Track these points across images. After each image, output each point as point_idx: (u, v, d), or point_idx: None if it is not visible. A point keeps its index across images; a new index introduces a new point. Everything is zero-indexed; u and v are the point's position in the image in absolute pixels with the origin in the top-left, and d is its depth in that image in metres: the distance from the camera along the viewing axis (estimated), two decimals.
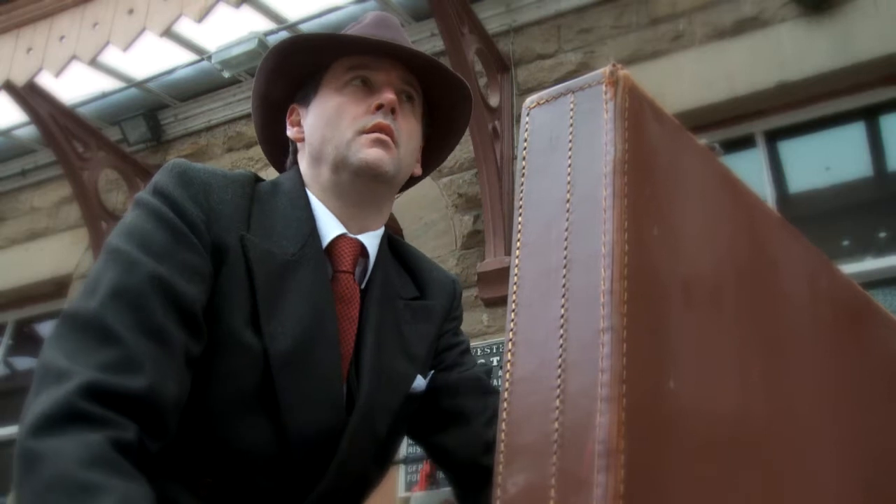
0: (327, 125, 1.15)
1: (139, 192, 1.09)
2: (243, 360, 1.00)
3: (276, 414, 1.01)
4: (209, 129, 5.85)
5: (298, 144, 1.22)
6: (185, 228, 1.01)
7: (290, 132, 1.22)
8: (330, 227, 1.13)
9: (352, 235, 1.14)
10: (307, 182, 1.17)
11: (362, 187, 1.14)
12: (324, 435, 1.05)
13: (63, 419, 0.83)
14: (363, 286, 1.15)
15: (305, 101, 1.20)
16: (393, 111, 1.14)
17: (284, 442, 1.02)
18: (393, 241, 1.27)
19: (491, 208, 4.31)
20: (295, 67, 1.21)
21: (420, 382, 1.19)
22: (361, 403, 1.09)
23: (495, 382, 4.01)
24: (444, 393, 1.21)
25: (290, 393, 1.02)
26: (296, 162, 1.23)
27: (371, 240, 1.17)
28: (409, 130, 1.18)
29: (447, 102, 1.26)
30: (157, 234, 1.00)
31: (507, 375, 0.47)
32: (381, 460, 1.17)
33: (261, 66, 1.22)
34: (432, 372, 1.21)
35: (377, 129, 1.12)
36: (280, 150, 1.29)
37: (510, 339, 0.48)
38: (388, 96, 1.13)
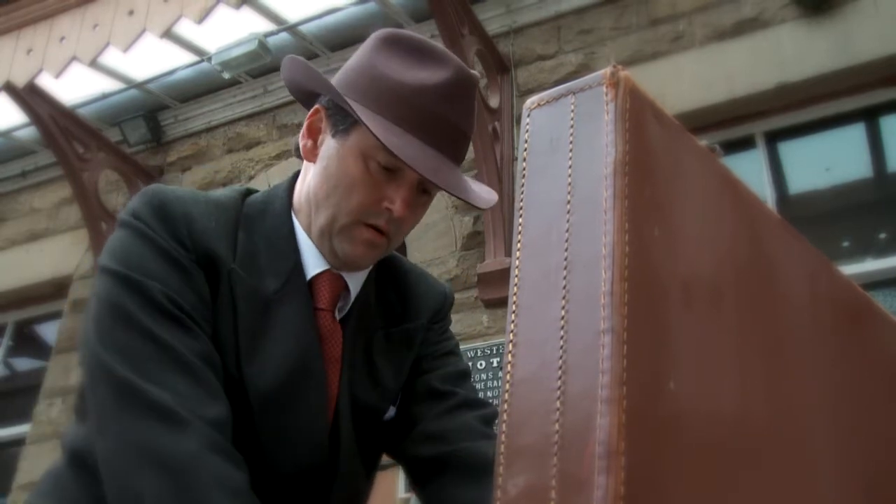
0: (337, 188, 1.05)
1: (122, 216, 1.03)
2: (229, 396, 0.98)
3: (259, 454, 1.00)
4: (209, 130, 5.85)
5: (306, 162, 1.13)
6: (183, 261, 0.99)
7: (304, 143, 1.11)
8: (312, 262, 1.09)
9: (335, 271, 1.10)
10: (298, 209, 1.11)
11: (338, 263, 1.10)
12: (309, 473, 1.05)
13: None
14: (341, 317, 1.11)
15: (332, 125, 1.08)
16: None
17: (271, 479, 1.02)
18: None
19: (491, 209, 4.31)
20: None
21: (391, 411, 1.17)
22: (345, 445, 1.08)
23: (495, 383, 4.02)
24: (401, 403, 1.18)
25: (271, 434, 1.01)
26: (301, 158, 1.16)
27: (355, 278, 1.13)
28: (414, 220, 1.11)
29: None
30: (157, 264, 0.97)
31: (508, 377, 0.47)
32: (369, 477, 1.19)
33: (300, 70, 1.12)
34: (400, 395, 1.19)
35: (376, 228, 1.06)
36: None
37: (510, 341, 0.48)
38: (401, 211, 1.04)
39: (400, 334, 1.18)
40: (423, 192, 1.09)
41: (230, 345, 1.00)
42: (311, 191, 1.09)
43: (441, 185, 1.03)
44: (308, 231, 1.10)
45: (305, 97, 1.16)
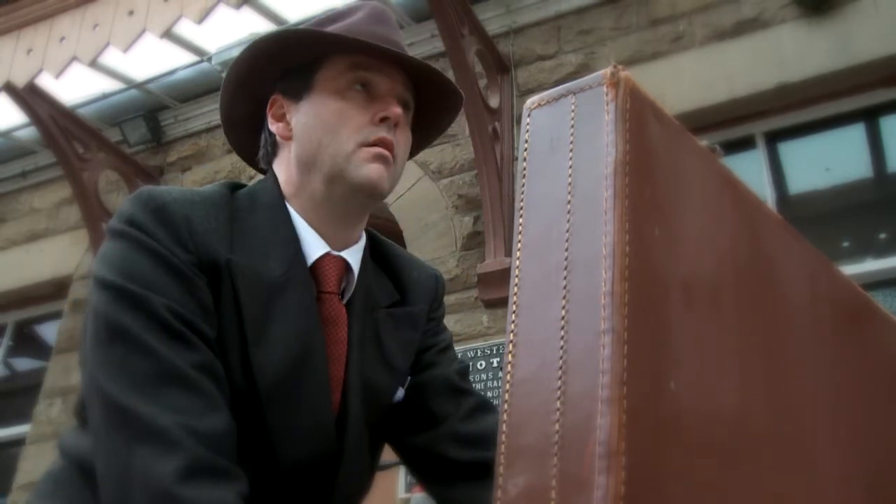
0: (326, 131, 1.07)
1: (116, 224, 1.01)
2: (235, 392, 0.98)
3: (267, 444, 1.00)
4: (209, 130, 5.85)
5: (281, 143, 1.14)
6: (184, 268, 0.97)
7: (275, 127, 1.13)
8: (313, 246, 1.08)
9: (335, 253, 1.10)
10: (288, 193, 1.11)
11: (356, 202, 1.10)
12: (316, 461, 1.05)
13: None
14: (346, 300, 1.12)
15: (294, 95, 1.11)
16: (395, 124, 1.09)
17: (277, 471, 1.01)
18: (373, 242, 1.22)
19: (491, 209, 4.31)
20: (285, 56, 1.12)
21: (399, 392, 1.18)
22: (352, 430, 1.08)
23: (495, 383, 4.01)
24: (414, 395, 1.19)
25: (279, 425, 1.01)
26: (272, 159, 1.16)
27: (354, 254, 1.13)
28: (405, 142, 1.13)
29: (437, 105, 1.20)
30: (157, 273, 0.96)
31: (508, 377, 0.47)
32: (372, 468, 1.19)
33: (244, 54, 1.13)
34: (409, 378, 1.20)
35: (380, 143, 1.07)
36: (247, 135, 1.20)
37: (511, 341, 0.48)
38: (395, 110, 1.07)
39: (404, 316, 1.19)
40: (405, 107, 1.13)
41: (236, 336, 0.99)
42: (303, 155, 1.10)
43: (420, 63, 1.10)
44: (304, 212, 1.10)
45: (248, 132, 1.19)
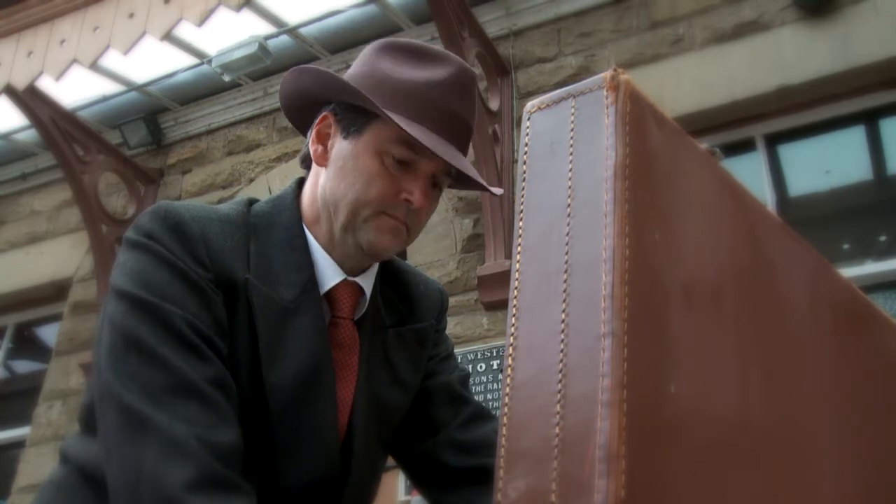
0: (353, 187, 1.07)
1: (134, 235, 1.01)
2: (243, 411, 0.98)
3: (273, 464, 1.01)
4: (209, 132, 5.85)
5: (315, 166, 1.14)
6: (200, 282, 0.98)
7: (315, 149, 1.13)
8: (328, 273, 1.10)
9: (351, 279, 1.11)
10: (308, 216, 1.12)
11: (362, 257, 1.11)
12: (321, 482, 1.05)
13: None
14: (356, 318, 1.13)
15: (344, 127, 1.10)
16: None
17: (282, 490, 1.02)
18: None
19: (491, 212, 4.31)
20: (348, 93, 1.10)
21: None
22: (358, 452, 1.09)
23: (495, 386, 4.01)
24: (416, 404, 1.20)
25: (285, 445, 1.02)
26: (309, 166, 1.17)
27: (368, 279, 1.14)
28: (429, 212, 1.13)
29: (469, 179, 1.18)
30: (175, 287, 0.96)
31: (508, 380, 0.47)
32: (377, 480, 1.20)
33: (312, 70, 1.13)
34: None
35: (396, 218, 1.08)
36: (300, 114, 1.18)
37: (511, 344, 0.48)
38: (420, 200, 1.07)
39: (412, 333, 1.20)
40: (435, 185, 1.12)
41: (250, 355, 1.00)
42: (328, 192, 1.10)
43: (463, 169, 1.08)
44: (324, 241, 1.10)
45: (301, 112, 1.17)
